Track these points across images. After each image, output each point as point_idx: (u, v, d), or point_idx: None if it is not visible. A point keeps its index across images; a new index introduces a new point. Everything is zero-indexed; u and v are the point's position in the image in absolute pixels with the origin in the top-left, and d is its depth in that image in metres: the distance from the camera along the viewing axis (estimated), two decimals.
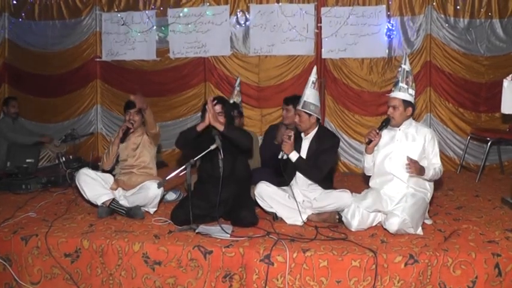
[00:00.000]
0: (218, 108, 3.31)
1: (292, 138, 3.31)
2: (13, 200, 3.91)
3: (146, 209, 3.48)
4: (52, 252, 2.89)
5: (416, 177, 3.14)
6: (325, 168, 3.33)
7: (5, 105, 5.43)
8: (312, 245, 2.82)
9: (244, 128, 4.93)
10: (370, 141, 3.20)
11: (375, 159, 3.28)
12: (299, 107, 3.38)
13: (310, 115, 3.35)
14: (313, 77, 3.41)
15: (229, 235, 2.95)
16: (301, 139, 3.44)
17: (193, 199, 3.15)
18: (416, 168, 3.05)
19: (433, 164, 3.17)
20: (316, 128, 3.44)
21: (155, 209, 3.51)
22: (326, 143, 3.39)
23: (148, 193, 3.40)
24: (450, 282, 2.62)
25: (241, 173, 3.53)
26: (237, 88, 4.68)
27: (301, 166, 3.33)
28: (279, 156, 3.37)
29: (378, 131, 3.19)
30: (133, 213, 3.35)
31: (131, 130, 3.64)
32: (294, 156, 3.30)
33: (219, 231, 3.00)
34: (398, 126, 3.22)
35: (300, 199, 3.37)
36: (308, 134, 3.42)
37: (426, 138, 3.17)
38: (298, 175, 3.44)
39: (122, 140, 3.64)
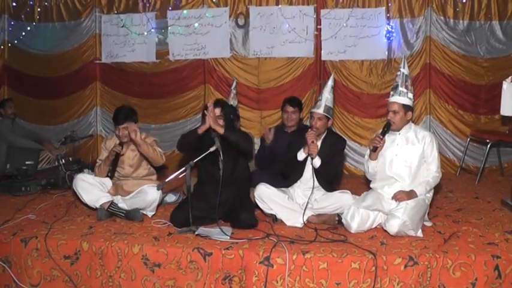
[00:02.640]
0: (217, 111, 3.31)
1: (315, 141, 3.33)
2: (12, 202, 3.91)
3: (144, 212, 3.47)
4: (51, 254, 2.89)
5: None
6: (340, 170, 3.70)
7: (1, 107, 5.42)
8: (311, 247, 2.82)
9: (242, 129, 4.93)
10: (375, 148, 3.18)
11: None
12: (320, 111, 3.36)
13: (329, 119, 3.40)
14: (332, 81, 3.46)
15: (228, 237, 2.95)
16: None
17: (192, 201, 3.15)
18: (403, 198, 3.08)
19: (430, 170, 3.18)
20: (326, 131, 3.47)
21: (153, 213, 3.50)
22: (338, 146, 3.49)
23: (147, 197, 3.40)
24: (450, 284, 2.62)
25: (241, 175, 3.53)
26: (233, 91, 4.66)
27: (323, 170, 3.35)
28: (299, 159, 3.39)
29: (381, 137, 3.18)
30: (133, 215, 3.35)
31: (122, 153, 3.52)
32: (318, 161, 3.33)
33: (219, 233, 3.00)
34: (398, 131, 3.22)
35: (300, 201, 3.38)
36: (320, 136, 3.44)
37: (426, 141, 3.17)
38: (304, 177, 3.45)
39: (113, 166, 3.52)
